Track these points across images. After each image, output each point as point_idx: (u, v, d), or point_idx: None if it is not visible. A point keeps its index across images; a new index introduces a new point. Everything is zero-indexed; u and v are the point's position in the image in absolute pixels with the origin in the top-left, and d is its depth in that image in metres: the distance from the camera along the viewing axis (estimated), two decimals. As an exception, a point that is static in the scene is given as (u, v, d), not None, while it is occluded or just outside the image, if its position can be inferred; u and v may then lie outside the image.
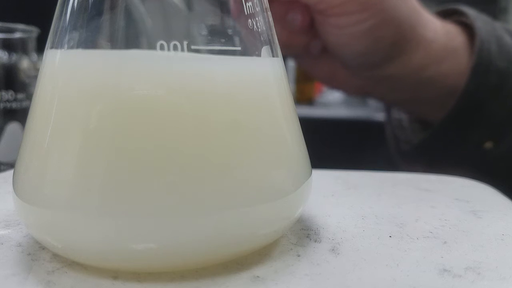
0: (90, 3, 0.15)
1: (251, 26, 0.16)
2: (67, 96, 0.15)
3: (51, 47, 0.16)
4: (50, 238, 0.15)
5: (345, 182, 0.26)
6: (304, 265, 0.16)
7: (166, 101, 0.14)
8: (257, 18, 0.17)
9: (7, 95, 0.34)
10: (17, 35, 0.35)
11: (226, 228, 0.14)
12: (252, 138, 0.15)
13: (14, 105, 0.35)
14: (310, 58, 0.39)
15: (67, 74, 0.15)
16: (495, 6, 1.27)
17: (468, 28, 0.37)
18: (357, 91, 0.43)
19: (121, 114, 0.14)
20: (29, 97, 0.35)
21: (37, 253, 0.17)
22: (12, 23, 0.35)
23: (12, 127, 0.35)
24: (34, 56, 0.37)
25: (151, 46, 0.14)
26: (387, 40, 0.34)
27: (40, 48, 0.36)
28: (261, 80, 0.16)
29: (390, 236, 0.18)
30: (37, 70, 0.36)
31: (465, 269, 0.16)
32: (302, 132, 0.18)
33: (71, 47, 0.15)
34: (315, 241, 0.18)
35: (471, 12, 0.38)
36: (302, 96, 1.17)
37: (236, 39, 0.16)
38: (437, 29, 0.37)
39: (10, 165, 0.34)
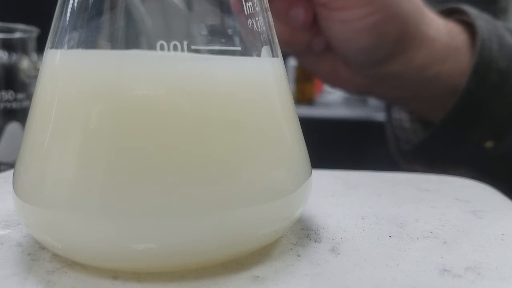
0: (90, 3, 0.15)
1: (251, 26, 0.16)
2: (67, 96, 0.15)
3: (51, 47, 0.16)
4: (50, 238, 0.15)
5: (345, 182, 0.26)
6: (304, 265, 0.16)
7: (166, 101, 0.14)
8: (257, 18, 0.17)
9: (7, 95, 0.34)
10: (17, 35, 0.35)
11: (226, 228, 0.14)
12: (252, 138, 0.15)
13: (14, 105, 0.35)
14: (312, 56, 0.39)
15: (67, 74, 0.15)
16: (495, 6, 1.27)
17: (470, 27, 0.37)
18: (358, 90, 0.43)
19: (121, 114, 0.14)
20: (29, 97, 0.35)
21: (37, 253, 0.17)
22: (12, 23, 0.35)
23: (12, 127, 0.35)
24: (34, 56, 0.37)
25: (151, 46, 0.14)
26: (391, 36, 0.34)
27: (40, 48, 0.36)
28: (261, 80, 0.16)
29: (390, 236, 0.18)
30: (37, 70, 0.36)
31: (465, 269, 0.16)
32: (302, 132, 0.18)
33: (71, 47, 0.15)
34: (315, 241, 0.18)
35: (472, 11, 0.38)
36: (302, 96, 1.17)
37: (236, 39, 0.16)
38: (439, 28, 0.37)
39: (10, 165, 0.34)
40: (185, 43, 0.14)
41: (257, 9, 0.17)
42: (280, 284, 0.15)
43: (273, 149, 0.16)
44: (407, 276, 0.15)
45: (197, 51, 0.15)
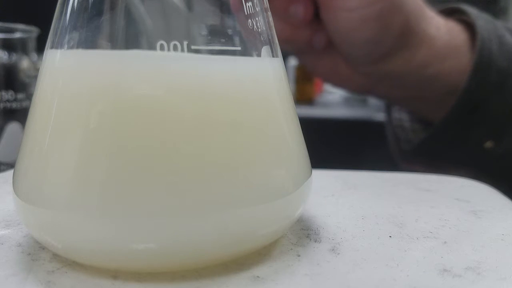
0: (90, 3, 0.15)
1: (251, 26, 0.16)
2: (67, 96, 0.15)
3: (51, 47, 0.16)
4: (50, 238, 0.15)
5: (345, 182, 0.26)
6: (304, 265, 0.16)
7: (166, 101, 0.14)
8: (257, 18, 0.17)
9: (7, 95, 0.34)
10: (17, 35, 0.35)
11: (226, 228, 0.14)
12: (252, 138, 0.15)
13: (14, 105, 0.35)
14: (312, 54, 0.39)
15: (67, 74, 0.15)
16: (495, 6, 1.27)
17: (470, 27, 0.37)
18: (358, 89, 0.42)
19: (121, 114, 0.14)
20: (29, 97, 0.35)
21: (37, 253, 0.17)
22: (12, 23, 0.35)
23: (12, 127, 0.35)
24: (34, 56, 0.37)
25: (151, 46, 0.14)
26: (394, 28, 0.34)
27: (40, 48, 0.36)
28: (261, 80, 0.16)
29: (390, 236, 0.18)
30: (37, 70, 0.36)
31: (465, 269, 0.16)
32: (302, 132, 0.18)
33: (71, 47, 0.15)
34: (315, 241, 0.18)
35: (472, 11, 0.38)
36: (302, 96, 1.17)
37: (236, 39, 0.16)
38: (439, 27, 0.37)
39: (10, 165, 0.34)
40: (185, 43, 0.14)
41: (257, 9, 0.17)
42: (280, 284, 0.15)
43: (273, 149, 0.16)
44: (407, 276, 0.15)
45: (197, 51, 0.15)
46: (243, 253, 0.16)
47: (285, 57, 0.21)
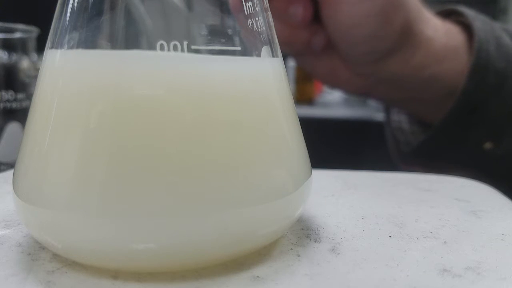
0: (90, 3, 0.15)
1: (251, 26, 0.16)
2: (67, 96, 0.15)
3: (51, 47, 0.16)
4: (50, 238, 0.15)
5: (345, 182, 0.26)
6: (304, 265, 0.16)
7: (166, 101, 0.14)
8: (257, 18, 0.17)
9: (7, 95, 0.34)
10: (17, 35, 0.35)
11: (226, 228, 0.14)
12: (252, 138, 0.15)
13: (14, 105, 0.35)
14: (311, 56, 0.39)
15: (67, 74, 0.15)
16: (495, 7, 1.27)
17: (467, 29, 0.38)
18: (357, 91, 0.42)
19: (121, 114, 0.14)
20: (29, 97, 0.35)
21: (37, 253, 0.17)
22: (12, 23, 0.35)
23: (12, 127, 0.35)
24: (34, 56, 0.37)
25: (151, 46, 0.14)
26: (396, 25, 0.34)
27: (40, 48, 0.35)
28: (261, 80, 0.16)
29: (390, 236, 0.18)
30: (37, 70, 0.36)
31: (465, 269, 0.16)
32: (302, 132, 0.18)
33: (71, 47, 0.15)
34: (315, 241, 0.18)
35: (469, 13, 0.38)
36: (302, 96, 1.17)
37: (236, 39, 0.16)
38: (437, 28, 0.37)
39: (10, 165, 0.34)
40: (185, 43, 0.14)
41: (257, 9, 0.17)
42: (280, 284, 0.15)
43: (273, 149, 0.16)
44: (407, 276, 0.15)
45: (197, 51, 0.15)
46: (243, 253, 0.16)
47: (285, 57, 0.21)
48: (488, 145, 0.38)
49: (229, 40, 0.16)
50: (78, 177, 0.14)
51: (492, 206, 0.23)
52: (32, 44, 0.37)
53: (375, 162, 0.41)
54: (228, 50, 0.16)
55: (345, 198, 0.23)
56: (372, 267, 0.16)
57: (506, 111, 0.37)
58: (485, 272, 0.16)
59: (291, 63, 1.21)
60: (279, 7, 0.34)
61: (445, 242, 0.18)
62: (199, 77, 0.15)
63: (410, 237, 0.18)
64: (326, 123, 0.98)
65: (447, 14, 0.40)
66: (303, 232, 0.19)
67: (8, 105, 0.34)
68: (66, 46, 0.15)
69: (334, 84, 0.42)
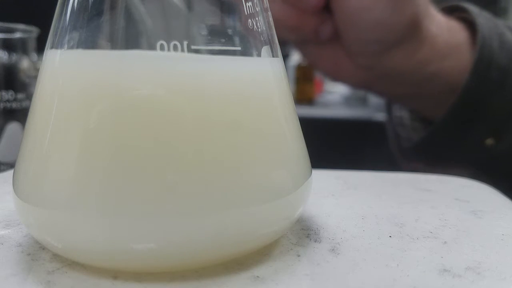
0: (90, 3, 0.15)
1: (251, 26, 0.16)
2: (67, 96, 0.15)
3: (51, 47, 0.16)
4: (50, 238, 0.15)
5: (345, 182, 0.26)
6: (304, 265, 0.16)
7: (166, 101, 0.14)
8: (257, 18, 0.17)
9: (7, 95, 0.34)
10: (17, 35, 0.35)
11: (226, 228, 0.14)
12: (252, 138, 0.15)
13: (14, 105, 0.35)
14: (316, 46, 0.39)
15: (67, 74, 0.15)
16: (495, 6, 1.27)
17: (470, 25, 0.38)
18: (359, 84, 0.42)
19: (121, 114, 0.14)
20: (29, 97, 0.35)
21: (37, 253, 0.17)
22: (12, 23, 0.35)
23: (12, 127, 0.35)
24: (34, 56, 0.37)
25: (151, 46, 0.14)
26: (406, 15, 0.33)
27: (40, 48, 0.36)
28: (261, 80, 0.16)
29: (390, 236, 0.18)
30: (37, 70, 0.36)
31: (465, 269, 0.16)
32: (302, 132, 0.18)
33: (71, 47, 0.15)
34: (315, 241, 0.18)
35: (473, 9, 0.38)
36: (302, 96, 1.17)
37: (236, 39, 0.16)
38: (441, 24, 0.37)
39: (10, 165, 0.34)
40: (185, 43, 0.14)
41: (257, 9, 0.17)
42: (280, 284, 0.15)
43: (273, 149, 0.16)
44: (407, 276, 0.15)
45: (197, 51, 0.15)
46: (243, 253, 0.16)
47: (285, 57, 0.21)
48: (489, 142, 0.38)
49: (229, 40, 0.16)
50: (78, 177, 0.14)
51: (492, 206, 0.23)
52: (32, 44, 0.37)
53: (375, 162, 0.41)
54: (228, 50, 0.16)
55: (345, 198, 0.23)
56: (372, 267, 0.16)
57: (508, 107, 0.37)
58: (485, 272, 0.16)
59: (291, 63, 1.21)
60: None
61: (445, 242, 0.18)
62: (199, 77, 0.15)
63: (410, 237, 0.18)
64: (326, 123, 0.98)
65: (451, 11, 0.40)
66: (303, 232, 0.19)
67: (8, 105, 0.34)
68: (66, 46, 0.15)
69: (336, 76, 0.42)
